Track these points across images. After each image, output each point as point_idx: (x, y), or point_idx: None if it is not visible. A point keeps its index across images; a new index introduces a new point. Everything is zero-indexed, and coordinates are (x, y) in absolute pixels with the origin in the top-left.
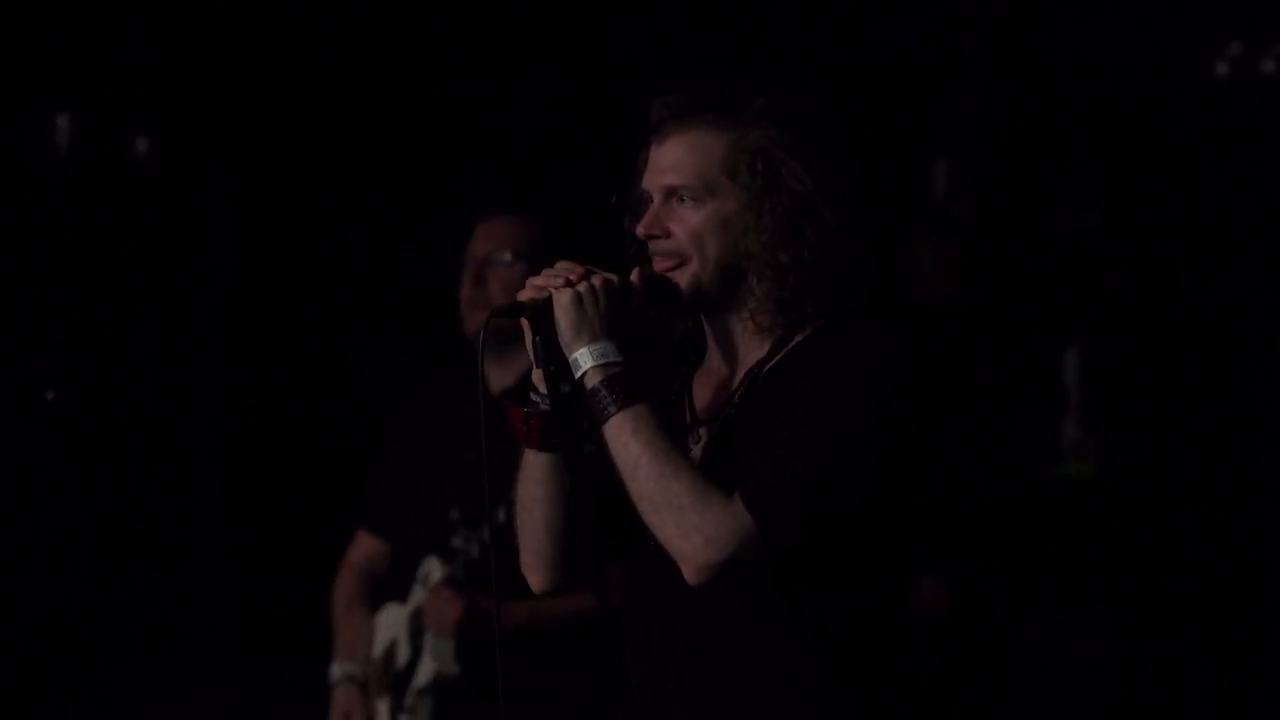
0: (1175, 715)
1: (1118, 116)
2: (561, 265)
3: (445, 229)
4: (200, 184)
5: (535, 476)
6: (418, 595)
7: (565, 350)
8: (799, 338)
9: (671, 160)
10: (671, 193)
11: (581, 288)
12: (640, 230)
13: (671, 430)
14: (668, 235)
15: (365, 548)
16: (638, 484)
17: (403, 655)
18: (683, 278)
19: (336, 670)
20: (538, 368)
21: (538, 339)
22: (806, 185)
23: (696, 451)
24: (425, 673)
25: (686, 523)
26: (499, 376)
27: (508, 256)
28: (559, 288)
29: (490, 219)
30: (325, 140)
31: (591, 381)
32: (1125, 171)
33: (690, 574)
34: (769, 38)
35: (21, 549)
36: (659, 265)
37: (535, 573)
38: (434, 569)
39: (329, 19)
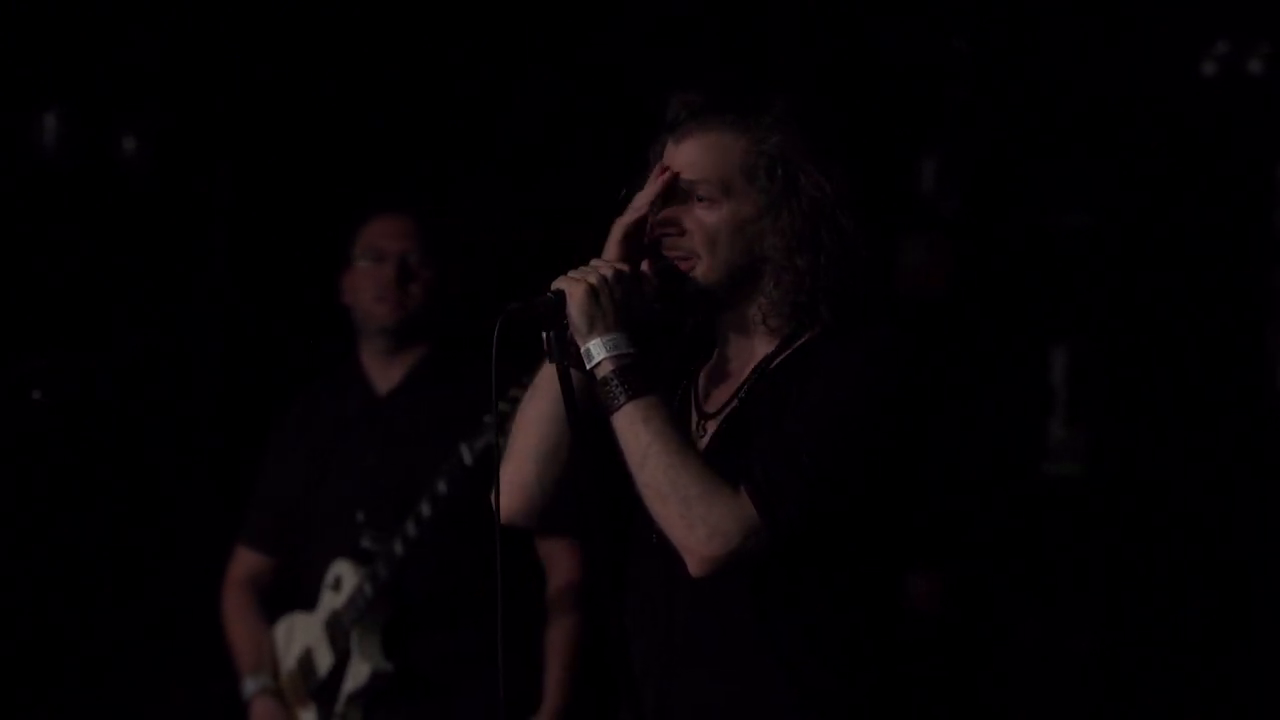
0: (1165, 711)
1: (1106, 115)
2: (579, 270)
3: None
4: (190, 182)
5: (543, 392)
6: (328, 600)
7: (578, 341)
8: (806, 336)
9: (689, 160)
10: (687, 191)
11: (594, 279)
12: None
13: (680, 423)
14: (682, 233)
15: (246, 562)
16: (646, 474)
17: (324, 662)
18: (694, 276)
19: (250, 684)
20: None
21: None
22: (825, 191)
23: (701, 444)
24: (358, 676)
25: (693, 514)
26: (386, 376)
27: (418, 254)
28: (573, 284)
29: (393, 216)
30: (318, 139)
31: (603, 372)
32: (1113, 170)
33: (694, 565)
34: (757, 37)
35: (13, 550)
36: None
37: (509, 499)
38: (345, 572)
39: (319, 16)
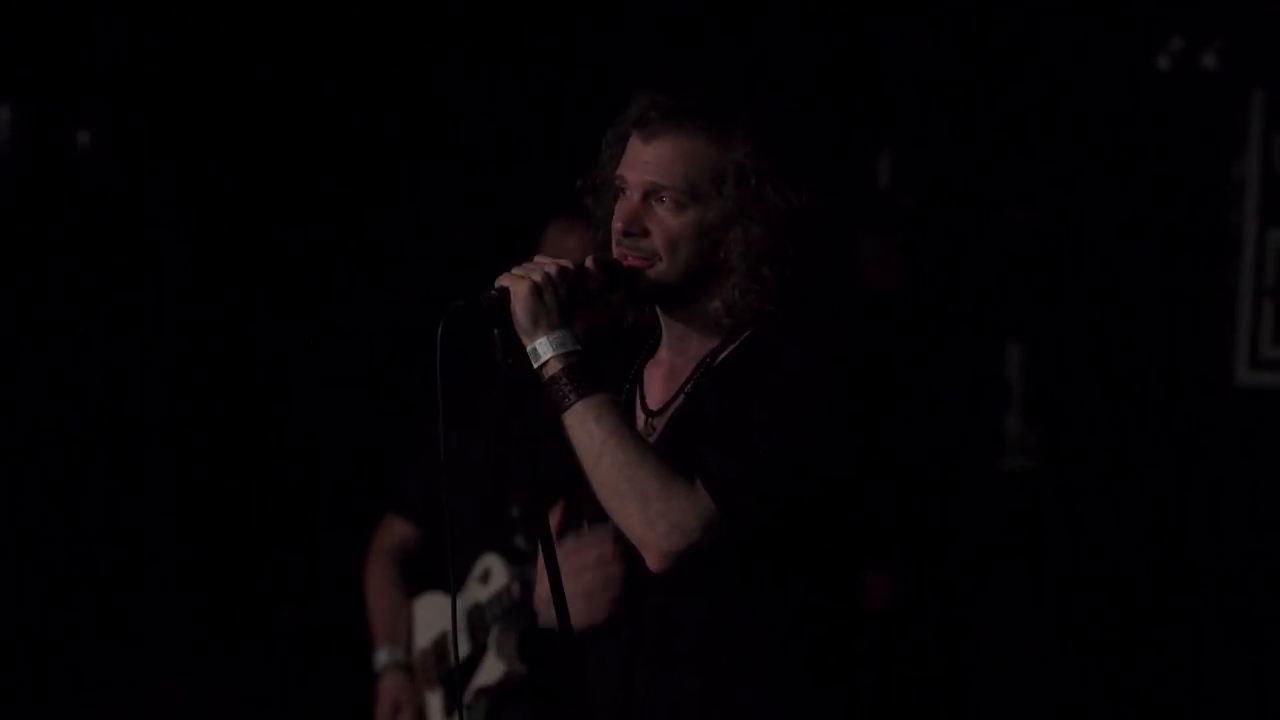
0: (1121, 706)
1: (1060, 110)
2: (522, 266)
3: (388, 222)
4: (144, 177)
5: None
6: (474, 591)
7: (524, 340)
8: (748, 331)
9: (658, 161)
10: (653, 192)
11: (537, 277)
12: (618, 225)
13: (629, 418)
14: (644, 234)
15: (397, 531)
16: (601, 472)
17: (460, 650)
18: (648, 275)
19: (384, 656)
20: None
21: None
22: (792, 204)
23: (650, 442)
24: (492, 671)
25: (651, 510)
26: None
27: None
28: (516, 281)
29: (568, 223)
30: (272, 132)
31: (551, 370)
32: (1069, 165)
33: (654, 561)
34: (712, 32)
35: None
36: (630, 261)
37: None
38: (495, 567)
39: (279, 12)
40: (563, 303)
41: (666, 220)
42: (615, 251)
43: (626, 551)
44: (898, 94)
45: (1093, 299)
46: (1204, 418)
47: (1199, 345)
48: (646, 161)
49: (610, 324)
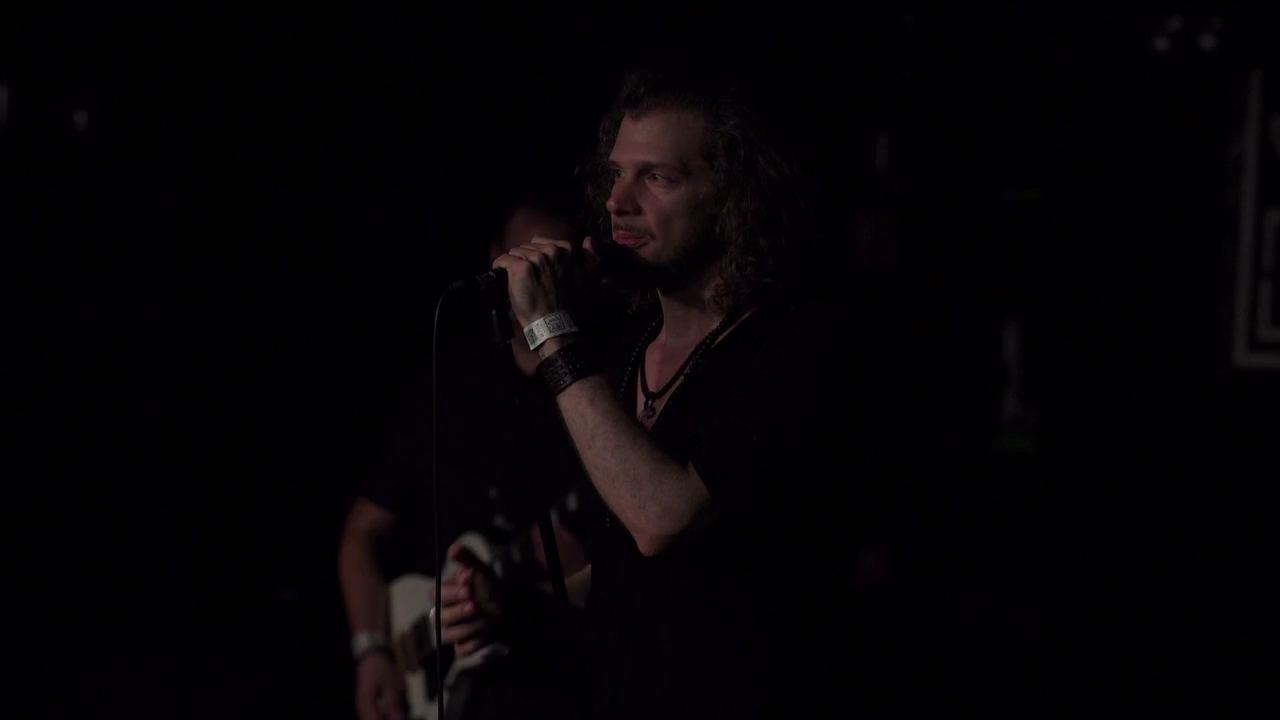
0: (1113, 686)
1: (1058, 91)
2: (520, 248)
3: (383, 201)
4: (141, 157)
5: None
6: (453, 572)
7: (521, 321)
8: (748, 312)
9: (648, 138)
10: (645, 170)
11: (535, 258)
12: (611, 205)
13: (628, 402)
14: (638, 212)
15: (369, 517)
16: (594, 454)
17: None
18: (644, 255)
19: (365, 640)
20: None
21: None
22: (784, 173)
23: (649, 424)
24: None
25: (643, 494)
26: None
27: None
28: (514, 262)
29: (533, 214)
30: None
31: (548, 353)
32: (1066, 146)
33: (645, 545)
34: (707, 12)
35: None
36: (624, 241)
37: None
38: (475, 548)
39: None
40: (560, 284)
41: (659, 197)
42: (615, 235)
43: (620, 534)
44: (894, 75)
45: (1090, 280)
46: (1201, 399)
47: (1196, 326)
48: (637, 141)
49: (611, 307)
